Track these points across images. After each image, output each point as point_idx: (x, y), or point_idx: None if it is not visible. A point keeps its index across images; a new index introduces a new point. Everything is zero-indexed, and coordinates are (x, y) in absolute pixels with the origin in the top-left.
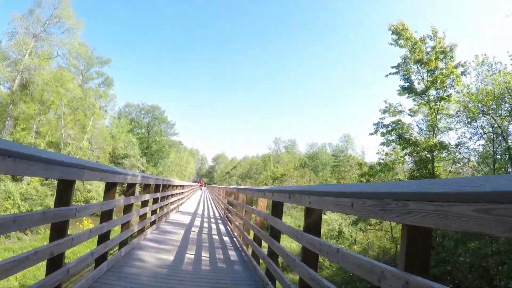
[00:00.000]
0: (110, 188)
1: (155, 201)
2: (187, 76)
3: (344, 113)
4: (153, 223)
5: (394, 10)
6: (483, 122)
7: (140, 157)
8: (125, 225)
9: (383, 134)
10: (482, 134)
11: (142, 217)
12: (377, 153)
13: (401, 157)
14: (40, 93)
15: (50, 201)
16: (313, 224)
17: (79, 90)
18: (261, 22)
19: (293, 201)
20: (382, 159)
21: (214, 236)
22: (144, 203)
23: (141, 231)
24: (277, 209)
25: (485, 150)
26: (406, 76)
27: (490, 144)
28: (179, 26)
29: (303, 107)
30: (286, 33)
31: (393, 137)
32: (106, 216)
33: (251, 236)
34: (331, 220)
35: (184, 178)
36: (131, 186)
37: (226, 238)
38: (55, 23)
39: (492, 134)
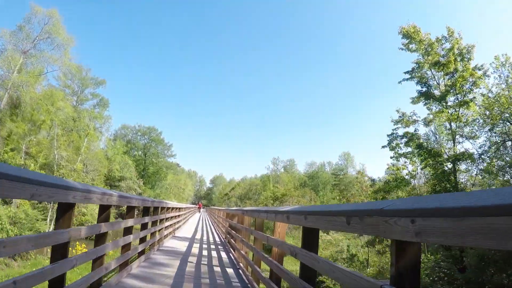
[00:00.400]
0: (64, 211)
1: (144, 226)
2: (183, 97)
3: (342, 131)
4: (141, 253)
5: (395, 20)
6: (503, 128)
7: (137, 179)
8: (97, 261)
9: (392, 148)
10: (503, 141)
11: (125, 248)
12: (388, 168)
13: (413, 171)
14: (31, 112)
15: (41, 226)
16: (410, 269)
17: (70, 108)
18: (256, 40)
19: (360, 229)
20: (394, 174)
21: (215, 268)
22: (128, 230)
23: (124, 265)
24: (310, 239)
25: (508, 158)
26: (423, 81)
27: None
28: (176, 47)
29: (300, 126)
30: (279, 52)
31: (409, 149)
32: (58, 252)
33: (263, 267)
34: (335, 240)
35: (182, 200)
36: (105, 209)
37: (230, 271)
38: (45, 39)
39: None
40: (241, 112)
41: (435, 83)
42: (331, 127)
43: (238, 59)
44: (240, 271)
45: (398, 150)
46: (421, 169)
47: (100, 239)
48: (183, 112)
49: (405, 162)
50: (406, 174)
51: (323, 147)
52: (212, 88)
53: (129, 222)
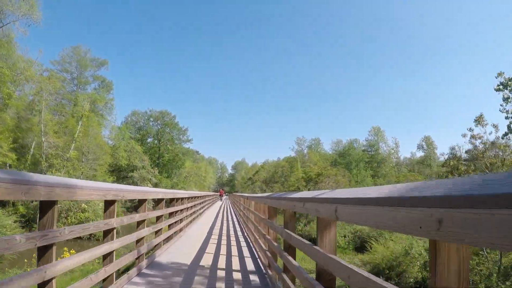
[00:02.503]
0: None
1: None
2: (199, 85)
3: (366, 106)
4: None
5: None
6: None
7: (152, 168)
8: None
9: None
10: None
11: None
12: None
13: None
14: None
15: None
16: None
17: (32, 72)
18: (273, 19)
19: None
20: None
21: None
22: None
23: None
24: None
25: None
26: None
27: None
28: (194, 32)
29: (319, 107)
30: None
31: None
32: None
33: None
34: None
35: (203, 188)
36: None
37: None
38: None
39: None
40: (257, 96)
41: None
42: (356, 104)
43: (253, 37)
44: None
45: None
46: None
47: None
48: (199, 100)
49: None
50: None
51: (346, 125)
52: (227, 74)
53: None
